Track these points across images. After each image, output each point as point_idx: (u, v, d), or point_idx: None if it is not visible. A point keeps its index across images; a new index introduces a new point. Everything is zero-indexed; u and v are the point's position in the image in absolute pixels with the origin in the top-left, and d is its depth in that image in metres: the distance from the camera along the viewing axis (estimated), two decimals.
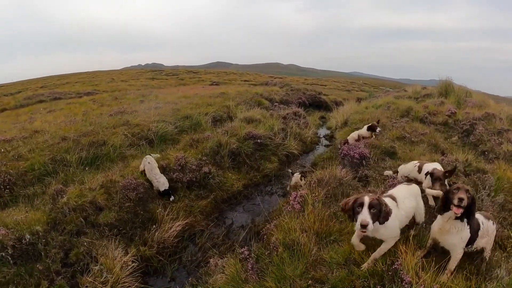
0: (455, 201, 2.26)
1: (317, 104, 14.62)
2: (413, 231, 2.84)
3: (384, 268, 2.34)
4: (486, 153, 5.96)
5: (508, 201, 3.96)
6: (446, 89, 10.66)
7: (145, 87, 19.31)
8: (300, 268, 2.52)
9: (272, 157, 6.41)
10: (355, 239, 2.54)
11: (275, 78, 28.84)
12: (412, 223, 2.84)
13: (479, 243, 2.71)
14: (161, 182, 4.30)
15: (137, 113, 7.71)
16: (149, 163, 4.40)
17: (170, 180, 4.54)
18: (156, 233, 3.63)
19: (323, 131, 10.05)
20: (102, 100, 12.55)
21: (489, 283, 2.40)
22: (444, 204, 2.41)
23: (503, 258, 2.76)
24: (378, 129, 5.86)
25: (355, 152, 4.47)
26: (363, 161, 4.51)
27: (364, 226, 2.08)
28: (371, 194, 2.30)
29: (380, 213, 2.20)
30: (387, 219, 2.25)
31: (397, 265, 2.28)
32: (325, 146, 8.27)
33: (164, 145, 6.12)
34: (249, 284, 2.54)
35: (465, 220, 2.37)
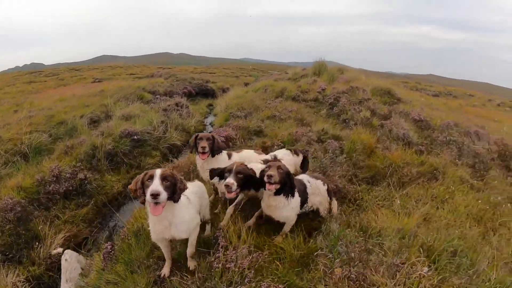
0: (265, 178, 2.31)
1: (204, 93, 14.71)
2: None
3: (211, 237, 2.72)
4: (346, 121, 6.69)
5: (360, 159, 4.59)
6: (319, 69, 11.48)
7: (22, 93, 16.29)
8: (146, 250, 2.79)
9: (153, 151, 6.37)
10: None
11: (163, 69, 27.62)
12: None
13: (313, 201, 2.82)
14: None
15: (10, 126, 6.97)
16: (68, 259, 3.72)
17: (47, 193, 4.33)
18: (41, 250, 3.60)
19: (210, 119, 10.16)
20: None
21: (318, 236, 2.63)
22: (261, 182, 2.45)
23: (343, 212, 3.10)
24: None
25: (221, 136, 4.98)
26: (229, 143, 5.12)
27: (155, 196, 1.81)
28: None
29: (175, 188, 1.98)
30: (180, 196, 2.05)
31: (219, 233, 2.58)
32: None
33: (40, 157, 5.72)
34: (107, 272, 2.78)
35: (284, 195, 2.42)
